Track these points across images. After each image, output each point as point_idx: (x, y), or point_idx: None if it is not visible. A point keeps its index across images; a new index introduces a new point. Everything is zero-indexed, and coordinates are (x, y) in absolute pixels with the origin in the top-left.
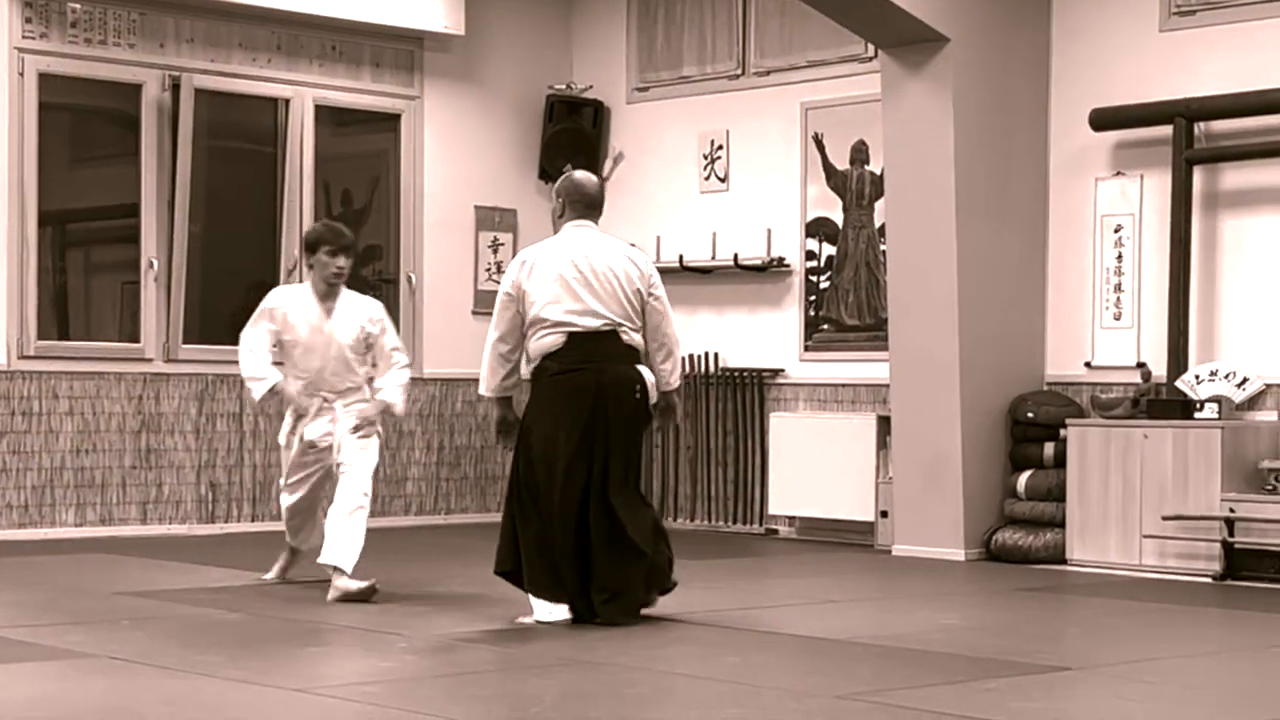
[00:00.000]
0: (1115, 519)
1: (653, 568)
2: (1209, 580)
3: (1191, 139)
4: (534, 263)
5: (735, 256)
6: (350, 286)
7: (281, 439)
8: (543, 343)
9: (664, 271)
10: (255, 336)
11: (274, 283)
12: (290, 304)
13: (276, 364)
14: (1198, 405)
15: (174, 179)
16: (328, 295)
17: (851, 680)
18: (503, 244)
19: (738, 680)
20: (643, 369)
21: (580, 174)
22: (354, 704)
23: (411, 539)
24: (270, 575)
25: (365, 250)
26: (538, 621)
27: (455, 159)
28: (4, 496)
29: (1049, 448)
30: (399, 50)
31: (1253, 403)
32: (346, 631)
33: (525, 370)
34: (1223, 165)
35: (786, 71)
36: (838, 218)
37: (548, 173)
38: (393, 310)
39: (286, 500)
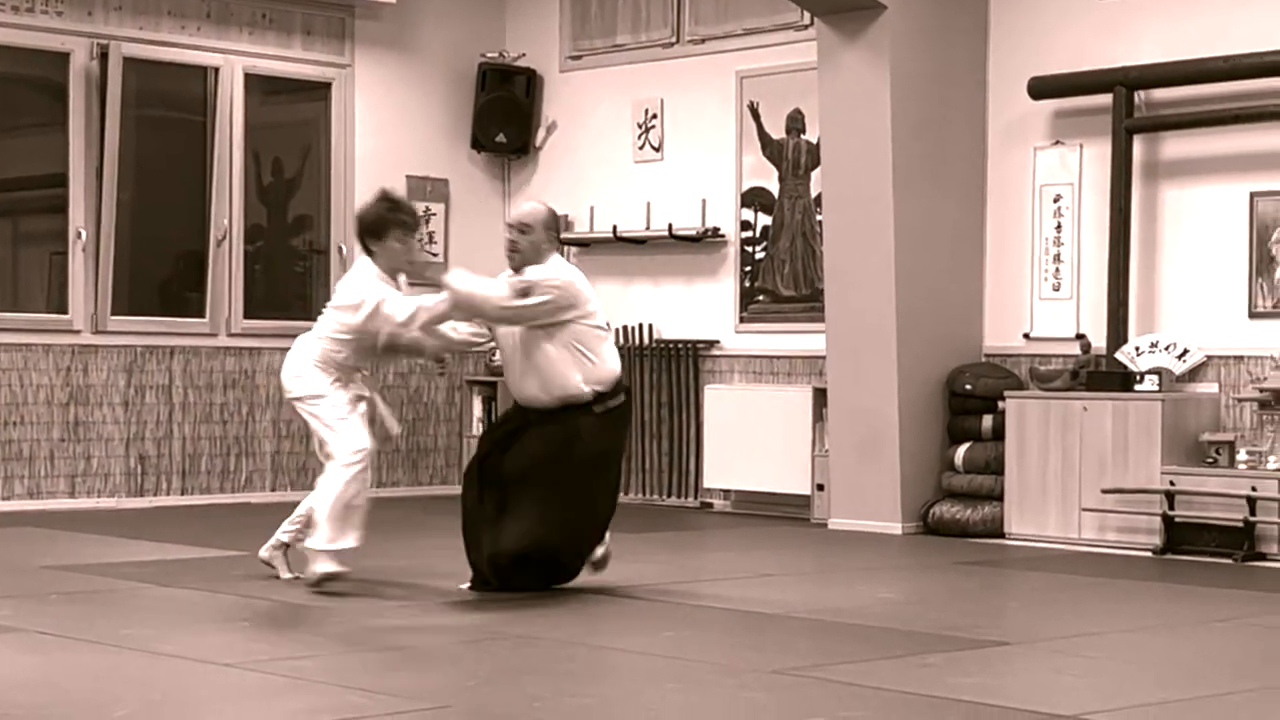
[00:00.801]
0: (1054, 492)
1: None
2: (1149, 554)
3: (1131, 108)
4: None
5: (670, 227)
6: (281, 257)
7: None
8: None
9: (598, 242)
10: None
11: (203, 253)
12: None
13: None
14: (1138, 377)
15: (102, 148)
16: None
17: (788, 655)
18: (434, 214)
19: (674, 655)
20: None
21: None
22: (286, 679)
23: None
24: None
25: (296, 220)
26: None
27: (386, 128)
28: None
29: (987, 420)
30: (330, 18)
31: (1193, 375)
32: (279, 607)
33: (584, 388)
34: (1163, 134)
35: (722, 40)
36: (773, 188)
37: (480, 142)
38: (323, 281)
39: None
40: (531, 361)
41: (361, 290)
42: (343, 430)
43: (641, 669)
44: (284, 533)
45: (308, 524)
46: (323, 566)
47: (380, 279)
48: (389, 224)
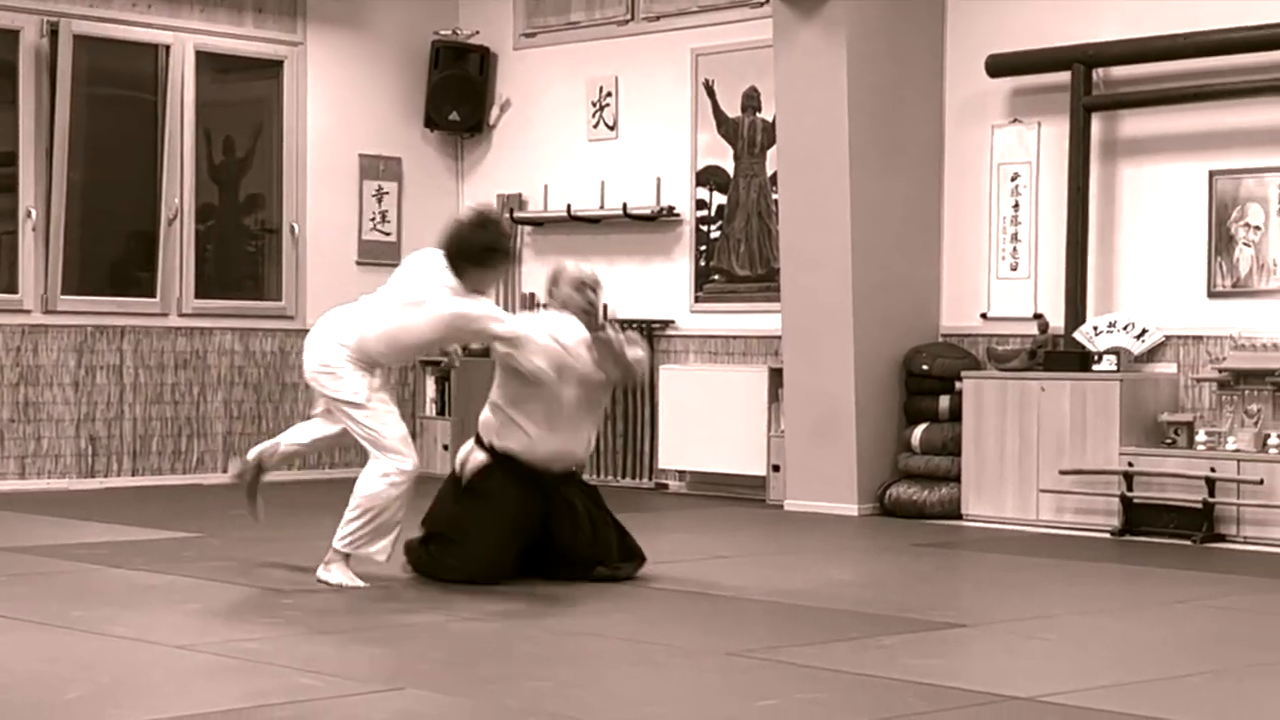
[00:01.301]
0: (1011, 473)
1: None
2: (1107, 535)
3: (1090, 86)
4: None
5: (624, 206)
6: (232, 237)
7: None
8: None
9: (551, 221)
10: None
11: (154, 232)
12: None
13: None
14: (1096, 357)
15: (52, 127)
16: None
17: (744, 637)
18: (387, 193)
19: (629, 637)
20: None
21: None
22: (238, 661)
23: (294, 493)
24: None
25: (247, 199)
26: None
27: (339, 106)
28: None
29: (944, 400)
30: None
31: (1152, 354)
32: (231, 588)
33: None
34: (1121, 112)
35: (676, 17)
36: (729, 166)
37: (433, 120)
38: (275, 260)
39: None
40: (588, 419)
41: (492, 307)
42: (391, 444)
43: (597, 651)
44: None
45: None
46: (336, 576)
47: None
48: (497, 254)
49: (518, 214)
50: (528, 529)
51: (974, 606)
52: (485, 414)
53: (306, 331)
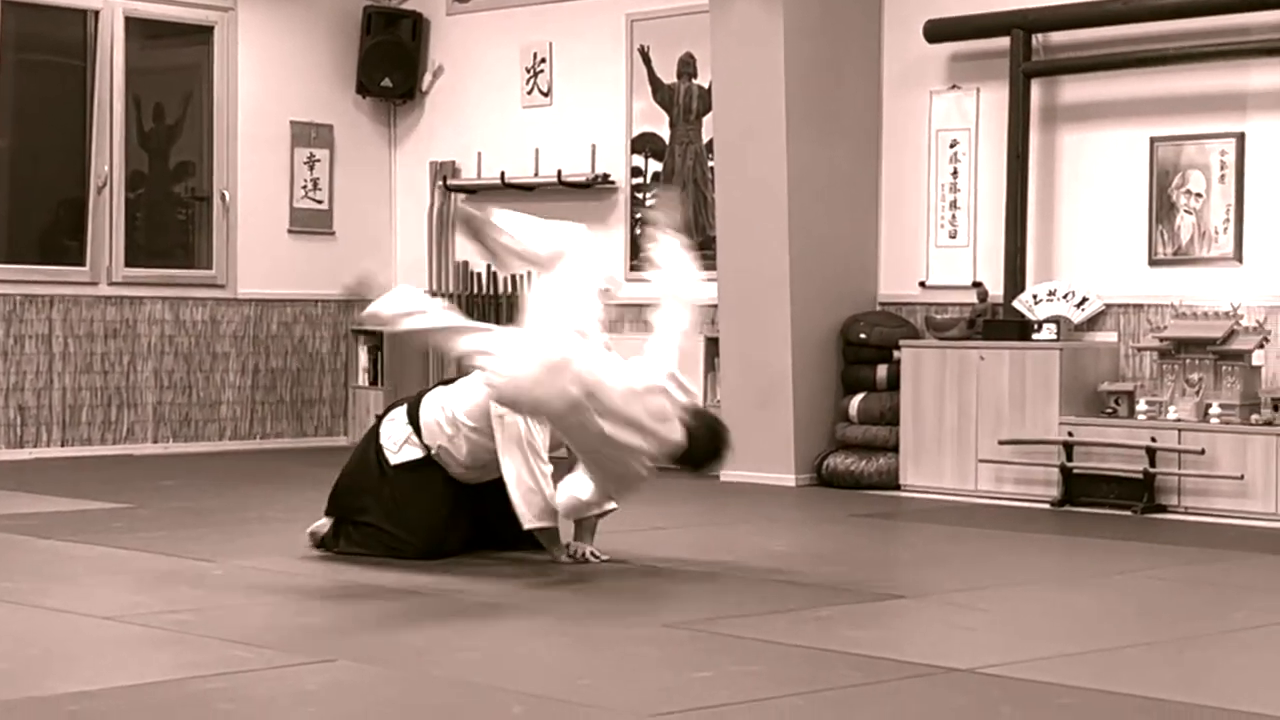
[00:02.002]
0: (950, 443)
1: None
2: (1047, 506)
3: (1029, 51)
4: None
5: (559, 173)
6: (162, 205)
7: None
8: None
9: (485, 189)
10: None
11: (84, 200)
12: None
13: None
14: (1035, 326)
15: None
16: None
17: (680, 609)
18: (319, 160)
19: (563, 609)
20: None
21: None
22: (168, 633)
23: (226, 464)
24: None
25: (178, 167)
26: None
27: (270, 73)
28: None
29: (882, 370)
30: None
31: (1092, 323)
32: (160, 559)
33: None
34: (1061, 78)
35: None
36: (664, 133)
37: (365, 87)
38: (205, 229)
39: None
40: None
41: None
42: None
43: (530, 623)
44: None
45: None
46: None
47: None
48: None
49: (451, 182)
50: (469, 497)
51: (911, 578)
52: (438, 418)
53: (238, 300)
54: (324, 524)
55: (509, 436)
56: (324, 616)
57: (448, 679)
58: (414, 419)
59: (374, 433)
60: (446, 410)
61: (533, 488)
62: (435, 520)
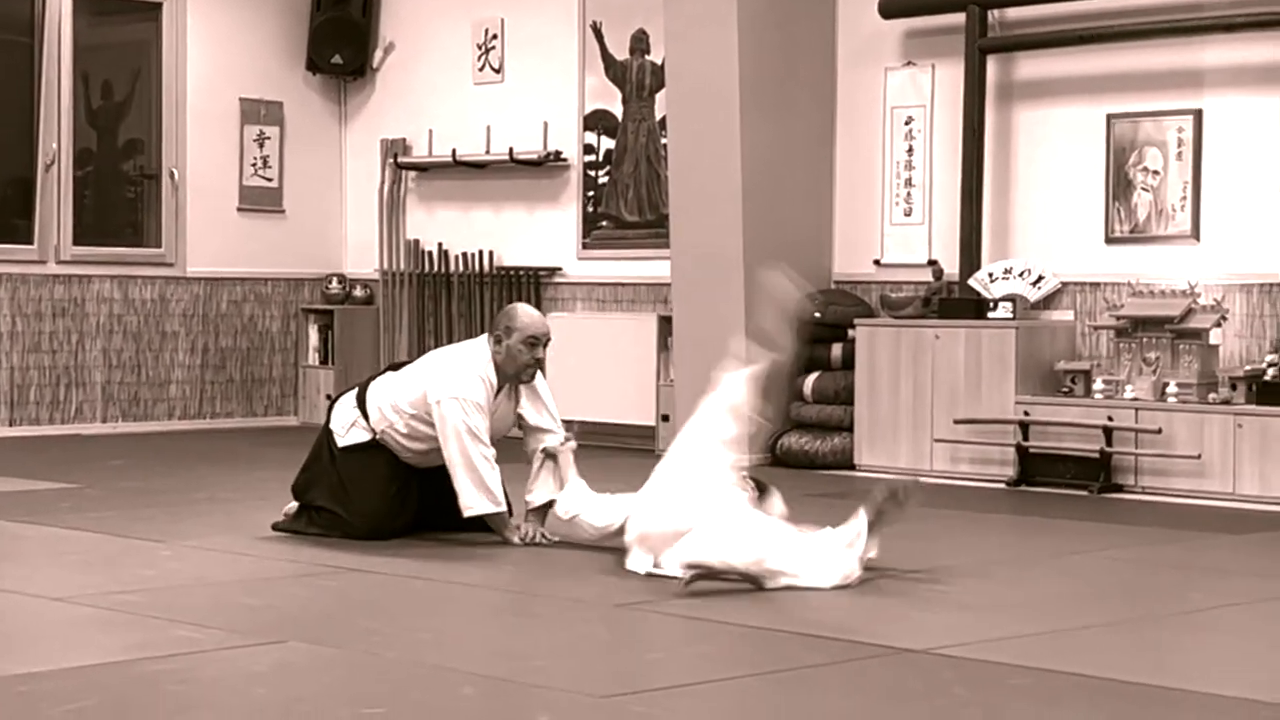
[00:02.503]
0: (905, 422)
1: None
2: (1002, 486)
3: (985, 27)
4: None
5: (510, 151)
6: (111, 183)
7: None
8: None
9: (436, 166)
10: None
11: (31, 178)
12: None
13: None
14: (991, 304)
15: None
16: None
17: (631, 590)
18: (269, 138)
19: (514, 589)
20: None
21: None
22: (118, 614)
23: (175, 444)
24: None
25: (126, 144)
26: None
27: (219, 49)
28: None
29: (837, 349)
30: None
31: (1048, 302)
32: (109, 540)
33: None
34: (1017, 54)
35: None
36: (617, 110)
37: (315, 64)
38: (154, 207)
39: None
40: None
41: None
42: None
43: (483, 602)
44: None
45: None
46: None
47: None
48: None
49: (402, 159)
50: (419, 480)
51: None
52: (382, 403)
53: (187, 279)
54: (292, 507)
55: (448, 424)
56: (274, 598)
57: (397, 659)
58: (362, 403)
59: (326, 418)
60: (390, 396)
61: (474, 473)
62: (380, 503)
